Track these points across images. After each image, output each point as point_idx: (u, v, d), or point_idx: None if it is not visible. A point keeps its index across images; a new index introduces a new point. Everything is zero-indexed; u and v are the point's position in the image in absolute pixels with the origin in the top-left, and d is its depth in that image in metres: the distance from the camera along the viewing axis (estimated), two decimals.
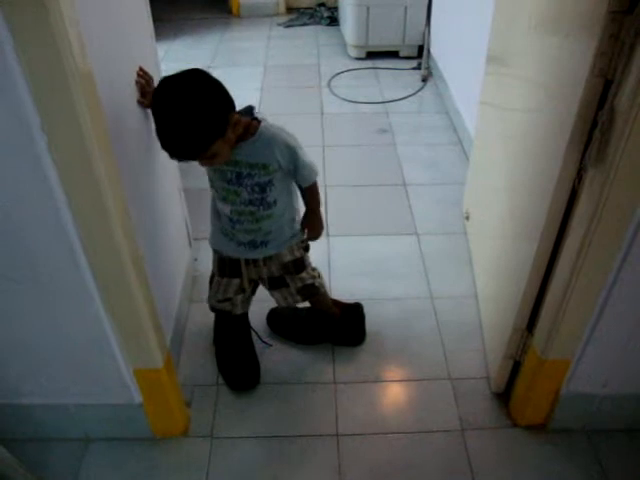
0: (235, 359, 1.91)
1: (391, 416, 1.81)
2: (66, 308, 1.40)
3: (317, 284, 1.85)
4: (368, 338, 2.04)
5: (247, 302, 1.89)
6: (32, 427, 1.69)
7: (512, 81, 1.85)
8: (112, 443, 1.72)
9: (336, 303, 2.02)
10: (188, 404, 1.81)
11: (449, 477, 1.65)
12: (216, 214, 1.70)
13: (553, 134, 1.36)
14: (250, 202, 1.58)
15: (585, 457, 1.69)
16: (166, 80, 1.37)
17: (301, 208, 1.74)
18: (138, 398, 1.61)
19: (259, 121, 1.51)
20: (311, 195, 1.69)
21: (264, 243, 1.68)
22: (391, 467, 1.67)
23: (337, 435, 1.74)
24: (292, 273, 1.78)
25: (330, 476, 1.64)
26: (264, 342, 2.01)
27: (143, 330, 1.43)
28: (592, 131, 1.19)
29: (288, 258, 1.75)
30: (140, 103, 1.57)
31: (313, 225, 1.74)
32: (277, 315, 2.06)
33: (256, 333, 1.99)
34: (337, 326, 1.99)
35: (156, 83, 1.48)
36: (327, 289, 1.96)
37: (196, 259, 2.35)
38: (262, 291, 1.88)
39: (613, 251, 1.30)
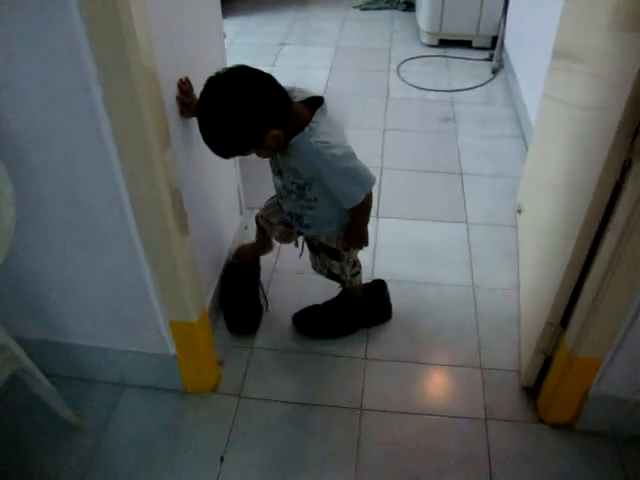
0: (239, 303, 2.00)
1: (416, 397, 1.82)
2: (111, 255, 1.48)
3: (345, 280, 1.84)
4: (404, 319, 2.05)
5: (283, 238, 1.90)
6: (75, 366, 1.79)
7: (576, 77, 1.81)
8: (146, 391, 1.81)
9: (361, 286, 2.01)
10: (220, 363, 1.88)
11: (466, 464, 1.65)
12: None
13: (607, 132, 1.33)
14: (291, 192, 1.59)
15: (609, 463, 1.65)
16: (212, 80, 1.33)
17: None
18: (172, 350, 1.69)
19: (307, 123, 1.41)
20: (352, 214, 1.61)
21: (307, 226, 1.70)
22: (409, 446, 1.68)
23: (361, 409, 1.77)
24: (324, 253, 1.78)
25: (348, 447, 1.67)
26: (266, 303, 2.08)
27: (180, 283, 1.50)
28: None
29: (324, 241, 1.74)
30: (183, 112, 1.51)
31: (352, 237, 1.69)
32: (302, 317, 2.02)
33: (264, 293, 2.09)
34: (363, 306, 2.00)
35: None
36: (361, 281, 1.94)
37: (246, 227, 2.40)
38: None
39: None
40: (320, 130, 1.41)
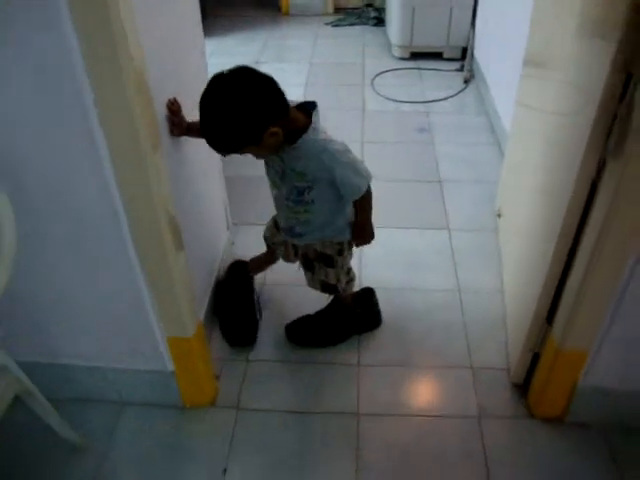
0: (237, 317, 2.04)
1: (411, 399, 1.87)
2: (107, 273, 1.51)
3: (340, 289, 1.89)
4: (394, 325, 2.10)
5: (287, 257, 1.98)
6: (73, 388, 1.80)
7: (547, 84, 1.89)
8: (145, 408, 1.82)
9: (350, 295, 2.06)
10: (217, 377, 1.90)
11: (463, 461, 1.69)
12: None
13: (581, 135, 1.40)
14: (288, 198, 1.64)
15: (600, 453, 1.70)
16: (216, 78, 1.39)
17: None
18: (170, 366, 1.71)
19: (307, 126, 1.49)
20: (357, 209, 1.69)
21: (299, 234, 1.75)
22: (407, 447, 1.72)
23: (358, 414, 1.81)
24: (320, 262, 1.83)
25: (348, 452, 1.71)
26: (260, 314, 2.13)
27: (177, 298, 1.53)
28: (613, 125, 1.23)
29: (318, 248, 1.79)
30: (173, 131, 1.56)
31: (358, 235, 1.76)
32: (295, 328, 2.05)
33: (259, 304, 2.13)
34: (354, 314, 2.04)
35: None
36: (353, 289, 1.99)
37: (233, 243, 2.44)
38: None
39: (630, 242, 1.33)
40: (320, 130, 1.51)
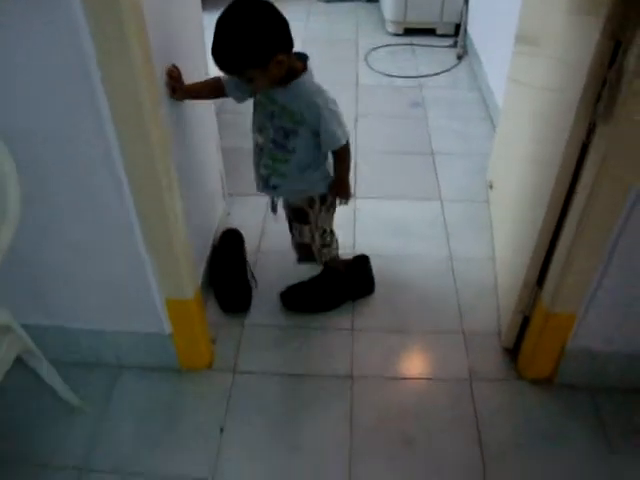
0: (231, 283, 2.08)
1: (403, 363, 1.92)
2: (108, 236, 1.53)
3: (314, 250, 1.94)
4: (387, 292, 2.14)
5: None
6: (72, 350, 1.83)
7: (538, 60, 1.92)
8: (142, 371, 1.86)
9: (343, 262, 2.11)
10: (213, 341, 1.93)
11: (454, 422, 1.74)
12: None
13: (570, 105, 1.42)
14: (273, 141, 1.67)
15: (587, 413, 1.76)
16: (237, 1, 1.45)
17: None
18: (168, 328, 1.75)
19: (304, 70, 1.57)
20: (336, 161, 1.74)
21: (274, 187, 1.78)
22: (400, 409, 1.77)
23: (351, 377, 1.85)
24: (294, 220, 1.89)
25: (342, 413, 1.75)
26: (255, 282, 2.16)
27: (177, 260, 1.56)
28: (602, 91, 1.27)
29: (292, 202, 1.85)
30: (172, 96, 1.61)
31: (339, 190, 1.80)
32: (289, 294, 2.09)
33: (252, 272, 2.17)
34: (347, 281, 2.08)
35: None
36: (337, 255, 2.05)
37: (229, 213, 2.47)
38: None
39: (617, 206, 1.37)
40: (315, 78, 1.60)
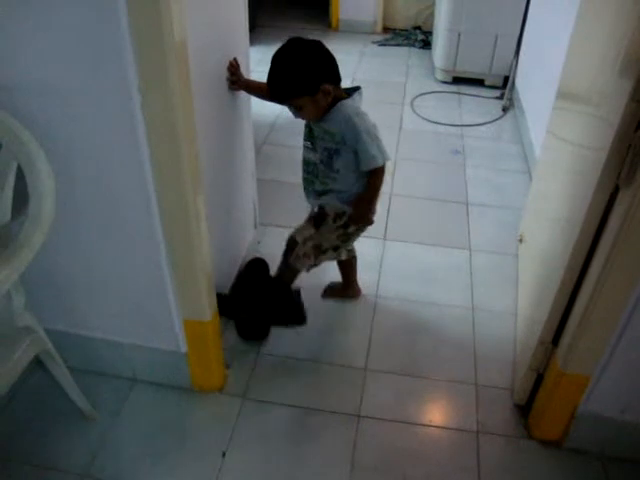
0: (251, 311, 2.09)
1: (412, 408, 1.91)
2: (134, 253, 1.60)
3: (297, 251, 1.95)
4: (405, 335, 2.16)
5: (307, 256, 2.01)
6: (90, 359, 1.89)
7: (576, 117, 1.93)
8: (155, 387, 1.91)
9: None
10: (227, 366, 1.97)
11: (456, 473, 1.72)
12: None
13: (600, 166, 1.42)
14: (321, 162, 1.80)
15: None
16: (292, 39, 1.68)
17: None
18: (184, 347, 1.79)
19: (348, 97, 1.72)
20: (368, 181, 1.82)
21: (322, 193, 1.89)
22: (403, 454, 1.76)
23: (358, 416, 1.85)
24: (311, 219, 1.99)
25: (345, 451, 1.75)
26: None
27: (197, 282, 1.61)
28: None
29: (326, 206, 1.93)
30: (231, 87, 1.88)
31: (357, 208, 1.86)
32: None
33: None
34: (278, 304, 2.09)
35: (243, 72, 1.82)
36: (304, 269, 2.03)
37: (259, 242, 2.52)
38: None
39: (635, 274, 1.36)
40: (359, 104, 1.76)
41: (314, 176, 1.87)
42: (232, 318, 2.06)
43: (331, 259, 2.07)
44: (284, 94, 1.69)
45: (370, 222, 1.92)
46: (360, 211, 1.87)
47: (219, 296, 1.83)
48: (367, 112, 1.74)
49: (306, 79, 1.64)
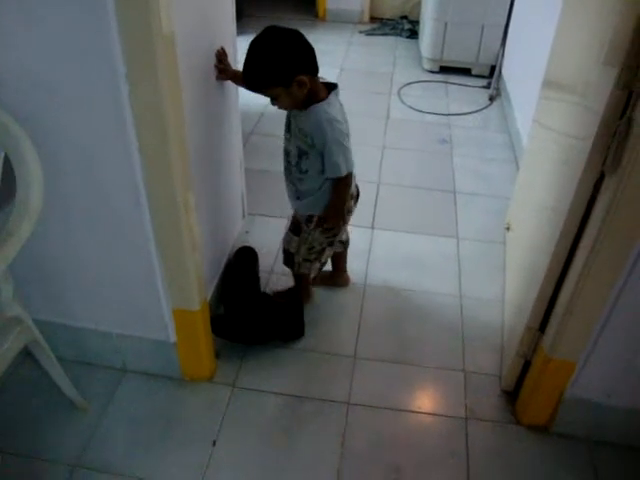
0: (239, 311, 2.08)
1: (401, 395, 1.92)
2: (124, 242, 1.59)
3: (295, 261, 2.04)
4: (394, 323, 2.17)
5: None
6: (80, 350, 1.89)
7: (562, 106, 1.94)
8: (145, 377, 1.91)
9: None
10: (217, 355, 1.97)
11: (445, 458, 1.74)
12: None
13: (585, 154, 1.43)
14: (293, 159, 1.79)
15: (582, 466, 1.74)
16: (268, 27, 1.61)
17: None
18: (173, 337, 1.79)
19: (325, 99, 1.67)
20: (333, 189, 1.81)
21: (298, 197, 1.89)
22: (392, 440, 1.78)
23: (348, 403, 1.87)
24: (288, 228, 2.02)
25: (334, 438, 1.77)
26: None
27: (187, 272, 1.61)
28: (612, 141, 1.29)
29: (296, 214, 1.97)
30: (219, 77, 1.84)
31: (328, 213, 1.87)
32: (219, 321, 2.02)
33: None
34: (279, 316, 2.08)
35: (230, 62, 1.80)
36: (314, 271, 2.10)
37: (247, 231, 2.52)
38: None
39: (622, 257, 1.38)
40: (333, 108, 1.69)
41: (290, 167, 1.85)
42: (228, 339, 2.02)
43: (332, 252, 2.10)
44: (257, 84, 1.64)
45: (339, 228, 1.95)
46: (333, 217, 1.88)
47: (214, 318, 1.90)
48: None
49: (280, 69, 1.59)
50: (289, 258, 2.06)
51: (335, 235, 1.99)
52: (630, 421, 1.76)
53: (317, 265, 2.07)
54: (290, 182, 1.89)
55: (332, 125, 1.66)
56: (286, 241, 2.05)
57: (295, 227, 1.99)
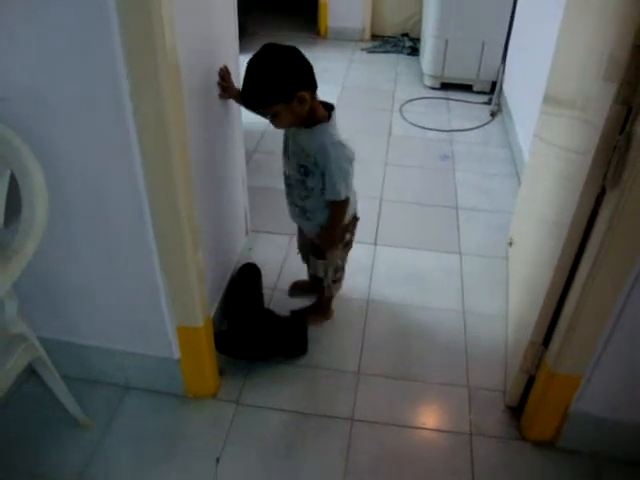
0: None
1: (405, 411, 1.92)
2: (127, 259, 1.60)
3: (326, 284, 2.06)
4: (397, 339, 2.17)
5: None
6: (83, 367, 1.89)
7: (562, 120, 1.95)
8: (149, 394, 1.91)
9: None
10: (221, 372, 1.96)
11: (449, 476, 1.73)
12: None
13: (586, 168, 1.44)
14: (295, 178, 1.79)
15: None
16: (266, 45, 1.60)
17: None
18: (177, 354, 1.79)
19: (328, 118, 1.68)
20: (330, 211, 1.82)
21: (308, 218, 1.88)
22: (396, 456, 1.77)
23: (352, 419, 1.86)
24: (311, 253, 2.01)
25: (338, 454, 1.76)
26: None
27: (190, 289, 1.61)
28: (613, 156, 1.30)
29: (313, 238, 1.96)
30: (222, 96, 1.83)
31: (322, 234, 1.89)
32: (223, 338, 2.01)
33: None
34: (283, 334, 2.08)
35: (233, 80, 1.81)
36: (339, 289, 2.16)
37: (250, 248, 2.53)
38: None
39: (624, 270, 1.38)
40: (337, 131, 1.71)
41: (292, 189, 1.85)
42: (231, 356, 2.01)
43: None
44: (258, 101, 1.62)
45: (334, 247, 1.94)
46: (327, 238, 1.90)
47: (218, 334, 1.90)
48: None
49: (280, 85, 1.58)
50: (318, 283, 2.09)
51: (351, 247, 2.01)
52: (637, 436, 1.74)
53: (343, 280, 2.11)
54: (293, 204, 1.88)
55: (336, 149, 1.66)
56: (312, 266, 2.05)
57: (316, 250, 1.98)
